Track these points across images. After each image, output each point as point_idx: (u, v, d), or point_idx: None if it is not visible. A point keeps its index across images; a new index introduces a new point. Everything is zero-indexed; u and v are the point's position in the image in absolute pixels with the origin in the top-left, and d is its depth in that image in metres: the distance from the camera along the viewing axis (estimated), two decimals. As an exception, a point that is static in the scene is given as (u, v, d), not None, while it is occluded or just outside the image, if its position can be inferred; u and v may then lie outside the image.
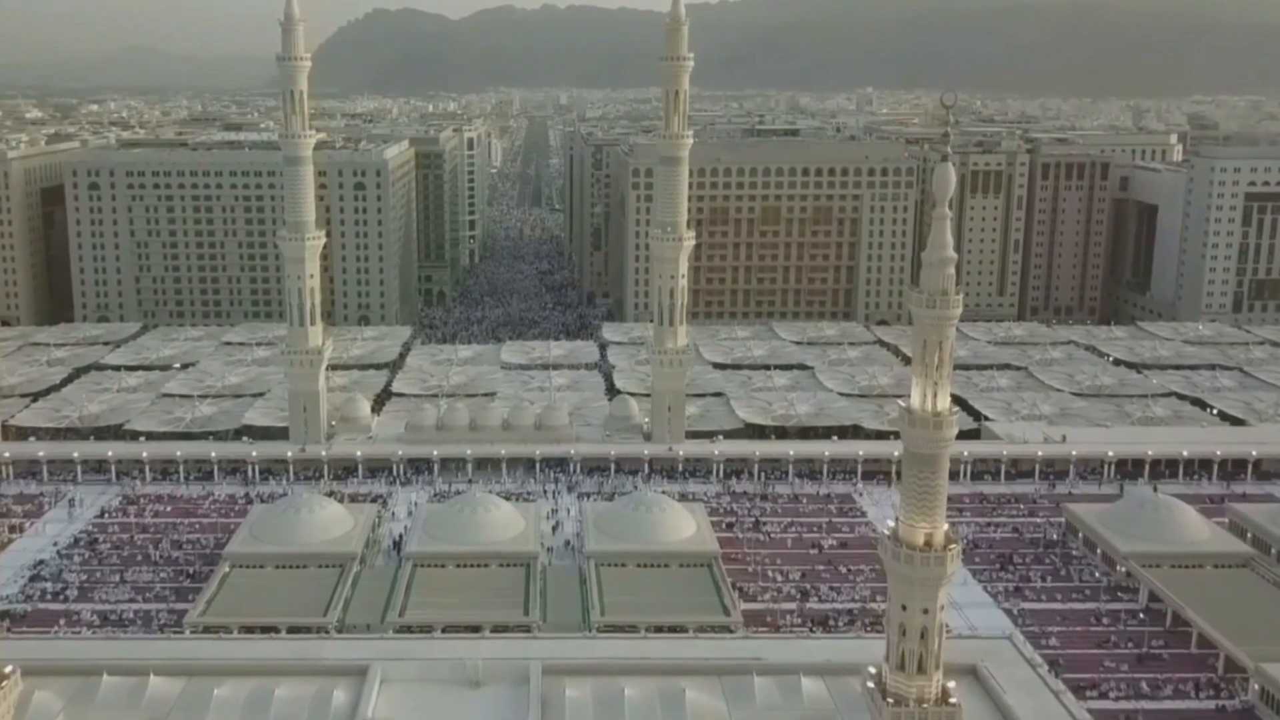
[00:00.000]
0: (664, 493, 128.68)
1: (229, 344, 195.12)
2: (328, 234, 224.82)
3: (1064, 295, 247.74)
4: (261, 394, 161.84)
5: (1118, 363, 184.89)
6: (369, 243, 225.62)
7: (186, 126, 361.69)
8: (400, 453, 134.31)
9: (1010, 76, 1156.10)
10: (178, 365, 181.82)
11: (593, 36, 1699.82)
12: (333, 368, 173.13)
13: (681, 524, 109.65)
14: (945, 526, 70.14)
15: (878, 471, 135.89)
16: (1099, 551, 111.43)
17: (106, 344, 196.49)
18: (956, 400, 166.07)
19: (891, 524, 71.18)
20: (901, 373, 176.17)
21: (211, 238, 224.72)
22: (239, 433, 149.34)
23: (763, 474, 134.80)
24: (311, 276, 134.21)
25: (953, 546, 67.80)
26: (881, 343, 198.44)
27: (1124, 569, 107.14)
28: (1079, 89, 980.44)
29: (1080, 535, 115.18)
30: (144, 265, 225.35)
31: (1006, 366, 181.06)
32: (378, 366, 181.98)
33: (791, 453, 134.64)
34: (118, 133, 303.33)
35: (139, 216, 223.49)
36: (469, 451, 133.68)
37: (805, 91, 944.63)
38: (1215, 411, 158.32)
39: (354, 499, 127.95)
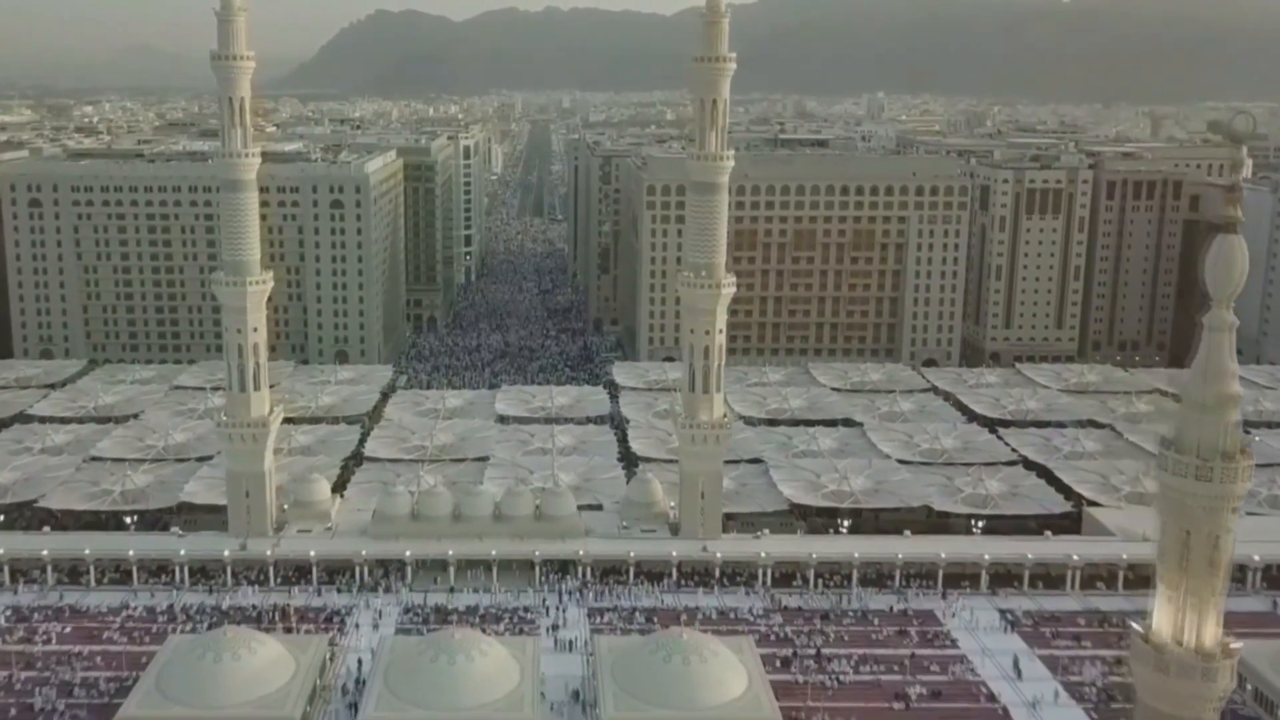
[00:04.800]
0: (697, 609, 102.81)
1: (180, 388, 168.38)
2: (300, 259, 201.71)
3: (1130, 329, 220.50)
4: (208, 458, 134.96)
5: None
6: (347, 268, 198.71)
7: (165, 132, 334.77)
8: (365, 553, 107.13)
9: (1019, 81, 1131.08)
10: (116, 417, 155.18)
11: (596, 39, 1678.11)
12: (294, 422, 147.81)
13: (728, 676, 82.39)
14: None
15: (961, 576, 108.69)
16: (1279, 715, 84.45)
17: (42, 387, 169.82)
18: (1039, 470, 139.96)
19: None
20: (966, 432, 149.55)
21: (169, 262, 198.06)
22: (176, 511, 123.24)
23: (820, 580, 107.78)
24: (255, 330, 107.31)
25: None
26: (935, 389, 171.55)
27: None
28: (1089, 94, 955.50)
29: (1250, 687, 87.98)
30: (92, 293, 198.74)
31: (1090, 424, 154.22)
32: (350, 419, 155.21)
33: (857, 555, 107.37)
34: (79, 140, 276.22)
35: (86, 237, 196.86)
36: (451, 552, 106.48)
37: (811, 96, 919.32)
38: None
39: (304, 617, 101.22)
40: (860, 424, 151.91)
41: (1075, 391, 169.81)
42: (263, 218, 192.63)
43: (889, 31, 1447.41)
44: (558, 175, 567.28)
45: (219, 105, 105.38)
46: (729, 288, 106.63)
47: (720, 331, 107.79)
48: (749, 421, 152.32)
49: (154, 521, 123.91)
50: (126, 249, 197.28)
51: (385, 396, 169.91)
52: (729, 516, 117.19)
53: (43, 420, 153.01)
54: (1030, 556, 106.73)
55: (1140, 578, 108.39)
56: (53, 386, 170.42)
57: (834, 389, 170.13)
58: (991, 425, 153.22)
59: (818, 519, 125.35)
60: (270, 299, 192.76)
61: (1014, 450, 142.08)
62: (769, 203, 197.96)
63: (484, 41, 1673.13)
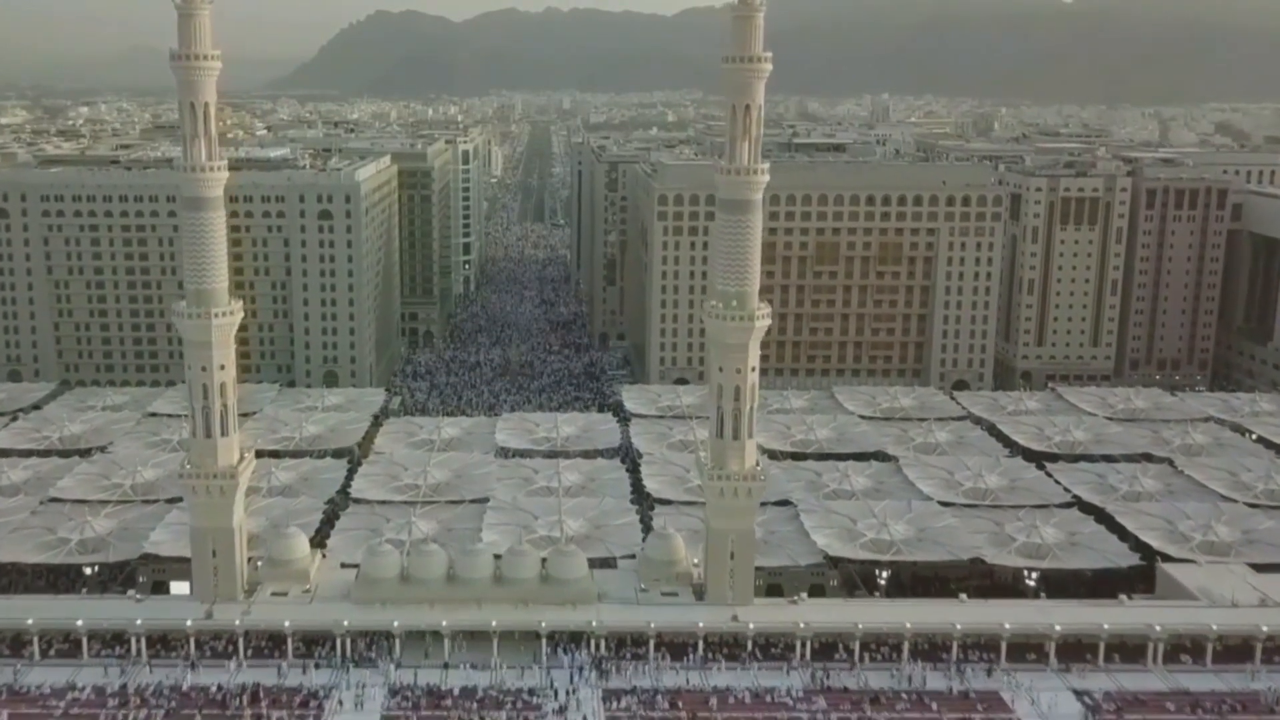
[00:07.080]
0: (728, 690, 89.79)
1: (154, 416, 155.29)
2: (287, 273, 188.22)
3: (1170, 346, 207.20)
4: (178, 499, 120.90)
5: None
6: (337, 283, 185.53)
7: (151, 135, 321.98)
8: (347, 623, 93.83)
9: (1023, 82, 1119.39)
10: (81, 450, 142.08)
11: (596, 40, 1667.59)
12: (275, 455, 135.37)
13: (773, 793, 69.45)
14: None
15: (1026, 648, 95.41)
16: None
17: (4, 414, 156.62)
18: (1096, 513, 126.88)
19: None
20: (1011, 468, 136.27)
21: (146, 276, 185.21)
22: (141, 562, 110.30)
23: (865, 653, 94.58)
24: (223, 368, 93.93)
25: None
26: (971, 417, 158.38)
27: None
28: (1093, 95, 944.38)
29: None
30: (63, 310, 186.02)
31: (1146, 458, 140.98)
32: (337, 453, 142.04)
33: (909, 625, 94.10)
34: (58, 144, 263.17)
35: (57, 250, 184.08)
36: (445, 622, 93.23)
37: (812, 97, 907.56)
38: None
39: (276, 700, 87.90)
40: (894, 458, 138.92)
41: (1124, 419, 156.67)
42: (246, 229, 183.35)
43: (889, 32, 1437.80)
44: (559, 178, 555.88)
45: (179, 111, 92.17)
46: (764, 320, 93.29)
47: (753, 369, 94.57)
48: (773, 455, 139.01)
49: (117, 571, 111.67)
50: (100, 262, 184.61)
51: (377, 422, 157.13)
52: (757, 573, 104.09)
53: (1, 454, 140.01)
54: (1107, 627, 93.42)
55: (1230, 650, 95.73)
56: (18, 413, 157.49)
57: (862, 416, 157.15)
58: (1038, 460, 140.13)
59: (850, 565, 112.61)
60: (255, 315, 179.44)
61: (1066, 489, 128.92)
62: (789, 213, 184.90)
63: (484, 42, 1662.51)
